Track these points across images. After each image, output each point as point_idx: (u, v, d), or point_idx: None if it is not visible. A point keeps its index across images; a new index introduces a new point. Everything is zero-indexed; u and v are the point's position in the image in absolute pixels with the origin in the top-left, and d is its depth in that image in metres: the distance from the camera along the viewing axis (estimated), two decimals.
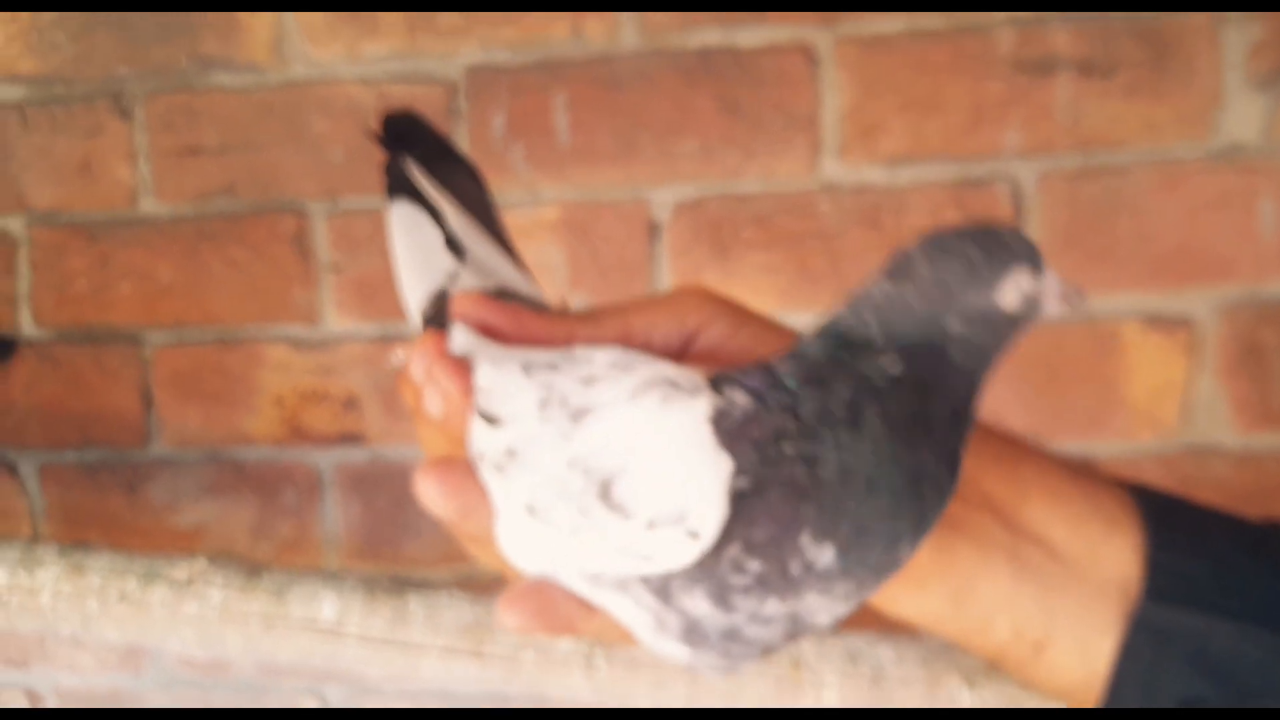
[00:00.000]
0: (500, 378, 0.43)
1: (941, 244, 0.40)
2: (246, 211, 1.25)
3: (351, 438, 1.26)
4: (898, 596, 0.48)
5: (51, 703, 1.38)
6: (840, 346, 0.40)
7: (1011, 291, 0.39)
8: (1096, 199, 1.08)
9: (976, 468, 0.48)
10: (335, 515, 1.28)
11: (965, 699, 0.99)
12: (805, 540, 0.37)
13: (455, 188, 0.56)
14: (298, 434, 1.27)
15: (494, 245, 0.55)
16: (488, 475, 0.42)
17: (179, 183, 1.27)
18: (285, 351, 1.26)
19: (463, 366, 0.44)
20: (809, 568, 0.37)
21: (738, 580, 0.38)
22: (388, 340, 1.24)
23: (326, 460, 1.28)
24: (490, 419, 0.42)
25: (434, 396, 0.44)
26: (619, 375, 0.40)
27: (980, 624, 0.47)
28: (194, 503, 1.31)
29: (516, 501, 0.41)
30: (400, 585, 1.10)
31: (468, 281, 0.50)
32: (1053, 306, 0.41)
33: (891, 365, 0.39)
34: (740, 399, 0.38)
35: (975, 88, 1.08)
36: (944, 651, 1.02)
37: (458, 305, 0.47)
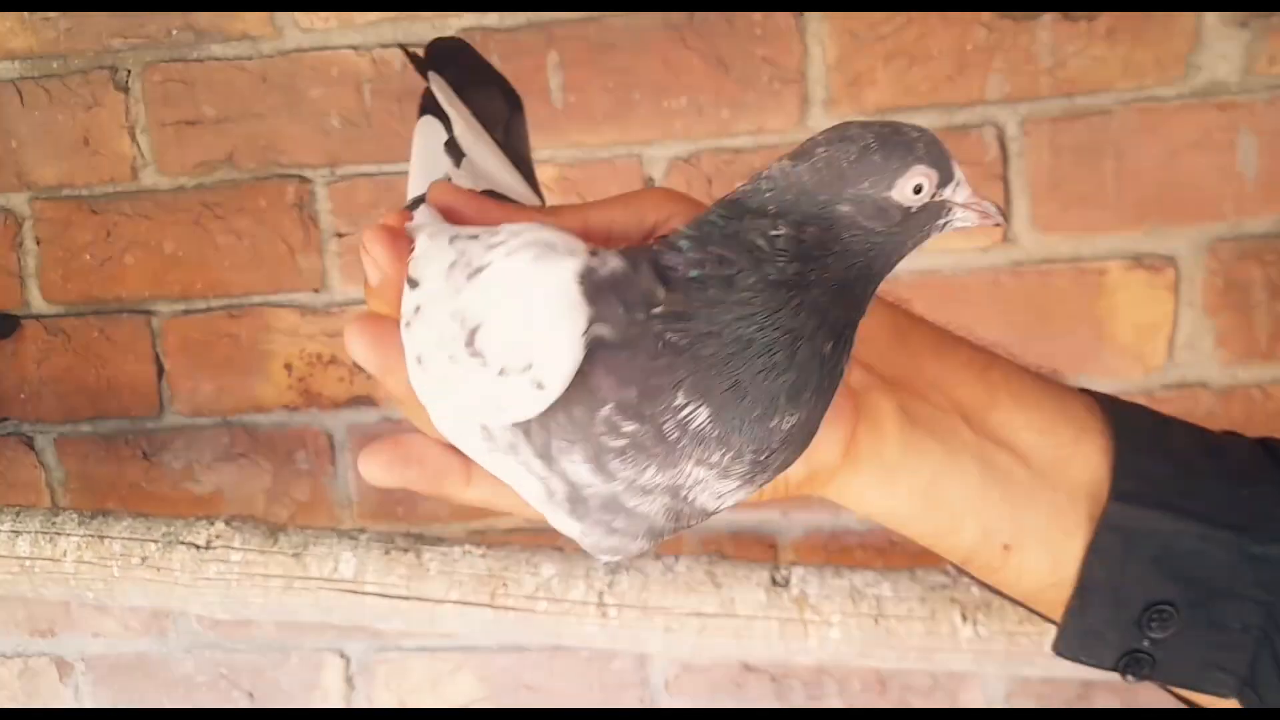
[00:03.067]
0: (430, 247, 0.45)
1: (844, 132, 0.41)
2: (248, 181, 1.27)
3: (361, 400, 1.29)
4: (868, 492, 0.49)
5: (79, 671, 1.42)
6: (734, 216, 0.41)
7: (908, 189, 0.40)
8: (1080, 142, 1.10)
9: (945, 372, 0.50)
10: (349, 477, 1.32)
11: (964, 633, 1.03)
12: (680, 398, 0.38)
13: (479, 104, 0.59)
14: (309, 398, 1.30)
15: (502, 158, 0.58)
16: (402, 333, 0.44)
17: (179, 154, 1.28)
18: (293, 318, 1.29)
19: (399, 239, 0.46)
20: (684, 427, 0.38)
21: (613, 442, 0.39)
22: None
23: (338, 423, 1.31)
24: (412, 282, 0.44)
25: (369, 264, 0.46)
26: (513, 238, 0.41)
27: (949, 525, 0.49)
28: (210, 469, 1.34)
29: (411, 353, 0.43)
30: (415, 541, 1.14)
31: (461, 181, 0.52)
32: (964, 218, 0.42)
33: (775, 231, 0.40)
34: (613, 261, 0.40)
35: (960, 35, 1.10)
36: (942, 588, 1.05)
37: (432, 191, 0.49)
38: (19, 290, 1.34)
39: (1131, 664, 0.49)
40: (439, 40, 0.64)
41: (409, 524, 1.31)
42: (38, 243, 1.33)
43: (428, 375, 0.42)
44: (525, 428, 0.40)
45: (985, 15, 1.09)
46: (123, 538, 1.16)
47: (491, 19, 1.18)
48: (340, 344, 1.27)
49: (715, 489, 0.40)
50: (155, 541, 1.16)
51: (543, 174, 1.18)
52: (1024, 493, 0.48)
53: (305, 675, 1.37)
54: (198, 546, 1.14)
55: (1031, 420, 0.50)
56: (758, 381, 0.38)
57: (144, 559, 1.15)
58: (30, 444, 1.38)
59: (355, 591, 1.12)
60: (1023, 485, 0.48)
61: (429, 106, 0.59)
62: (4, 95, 1.31)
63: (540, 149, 1.19)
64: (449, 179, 0.52)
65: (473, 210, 0.48)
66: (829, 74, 1.13)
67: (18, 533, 1.18)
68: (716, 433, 0.38)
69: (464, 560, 1.11)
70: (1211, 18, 1.06)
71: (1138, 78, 1.08)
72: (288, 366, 1.30)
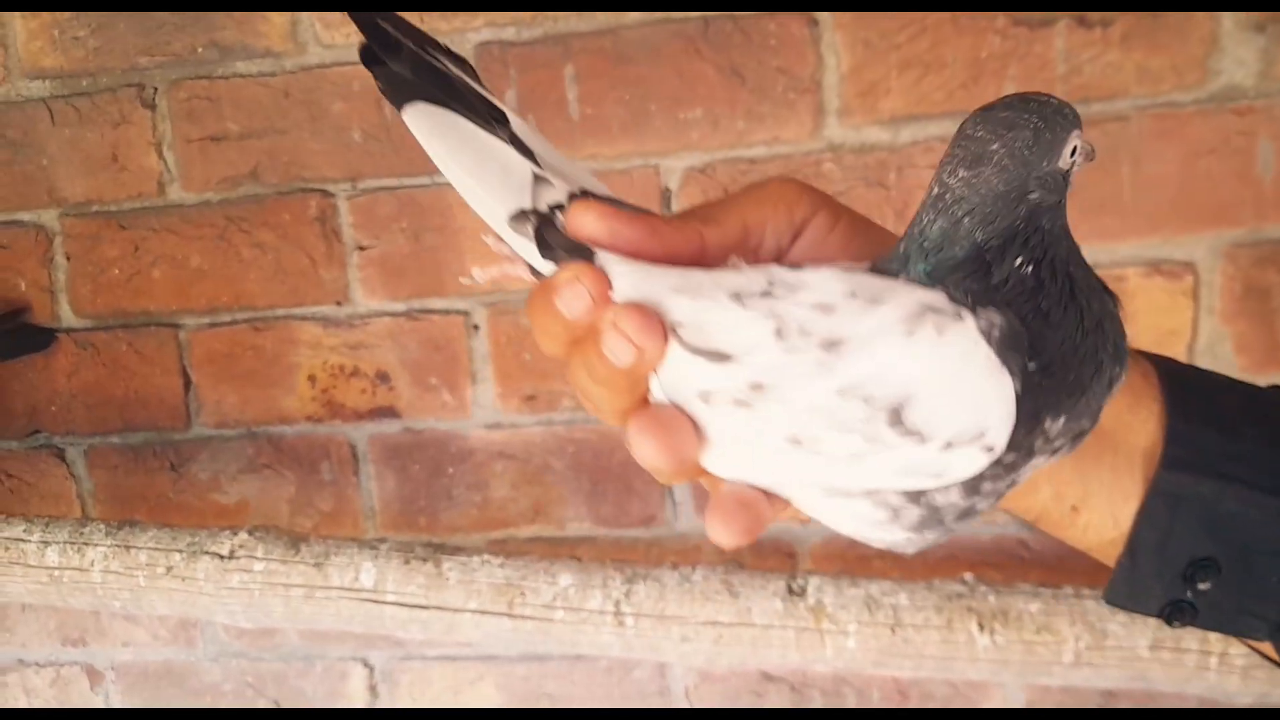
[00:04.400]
0: (708, 311, 0.42)
1: (1004, 120, 0.42)
2: (271, 195, 1.29)
3: (384, 411, 1.31)
4: None
5: (109, 679, 1.44)
6: (966, 257, 0.42)
7: (1068, 153, 0.42)
8: (1097, 148, 1.09)
9: None
10: (372, 487, 1.33)
11: (981, 643, 1.03)
12: (1048, 421, 0.41)
13: (467, 78, 0.50)
14: (332, 409, 1.32)
15: (537, 136, 0.50)
16: (722, 412, 0.42)
17: (205, 170, 1.31)
18: (316, 330, 1.30)
19: (651, 313, 0.42)
20: (1048, 439, 0.42)
21: (992, 470, 0.41)
22: (414, 316, 1.27)
23: (360, 433, 1.32)
24: (716, 355, 0.42)
25: (622, 347, 0.42)
26: (864, 306, 0.41)
27: (1027, 487, 0.51)
28: (235, 480, 1.36)
29: (776, 433, 0.41)
30: (434, 551, 1.15)
31: (559, 190, 0.47)
32: (1080, 162, 0.44)
33: (1005, 252, 0.42)
34: (994, 318, 0.41)
35: (974, 43, 1.10)
36: (959, 597, 1.05)
37: (581, 222, 0.44)
38: (50, 304, 1.37)
39: (1175, 612, 0.53)
40: (367, 17, 0.48)
41: (431, 534, 1.32)
42: (68, 258, 1.36)
43: (817, 455, 0.41)
44: None
45: (1000, 22, 1.09)
46: (148, 548, 1.18)
47: (509, 32, 1.19)
48: (363, 356, 1.29)
49: (1039, 465, 0.44)
50: (180, 551, 1.18)
51: None
52: (1091, 458, 0.50)
53: (330, 684, 1.38)
54: (221, 556, 1.16)
55: None
56: (1097, 375, 0.42)
57: (169, 569, 1.17)
58: (61, 456, 1.40)
59: (375, 601, 1.13)
60: (1090, 451, 0.50)
61: (415, 91, 0.48)
62: (35, 114, 1.33)
63: None
64: (541, 179, 0.47)
65: (644, 237, 0.44)
66: (843, 83, 1.13)
67: (47, 543, 1.20)
68: (1064, 429, 0.42)
69: (482, 570, 1.12)
70: (1228, 22, 1.05)
71: (1154, 84, 1.07)
72: (311, 378, 1.31)
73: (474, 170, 0.47)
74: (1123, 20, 1.07)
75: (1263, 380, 1.09)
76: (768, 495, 0.45)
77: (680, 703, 1.30)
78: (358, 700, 1.37)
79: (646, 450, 0.43)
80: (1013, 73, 1.10)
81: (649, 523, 1.26)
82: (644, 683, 1.30)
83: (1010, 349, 0.40)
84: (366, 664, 1.37)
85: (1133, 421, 0.51)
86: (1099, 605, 1.00)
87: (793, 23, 1.13)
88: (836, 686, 1.25)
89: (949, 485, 0.41)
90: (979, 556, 1.19)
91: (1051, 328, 0.41)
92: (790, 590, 1.06)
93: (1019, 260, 0.41)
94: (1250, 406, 0.54)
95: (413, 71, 0.48)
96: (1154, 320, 1.11)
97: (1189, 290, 1.10)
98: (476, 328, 1.26)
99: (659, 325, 0.42)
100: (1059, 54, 1.09)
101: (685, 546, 1.25)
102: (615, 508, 1.27)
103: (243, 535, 1.17)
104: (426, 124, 0.47)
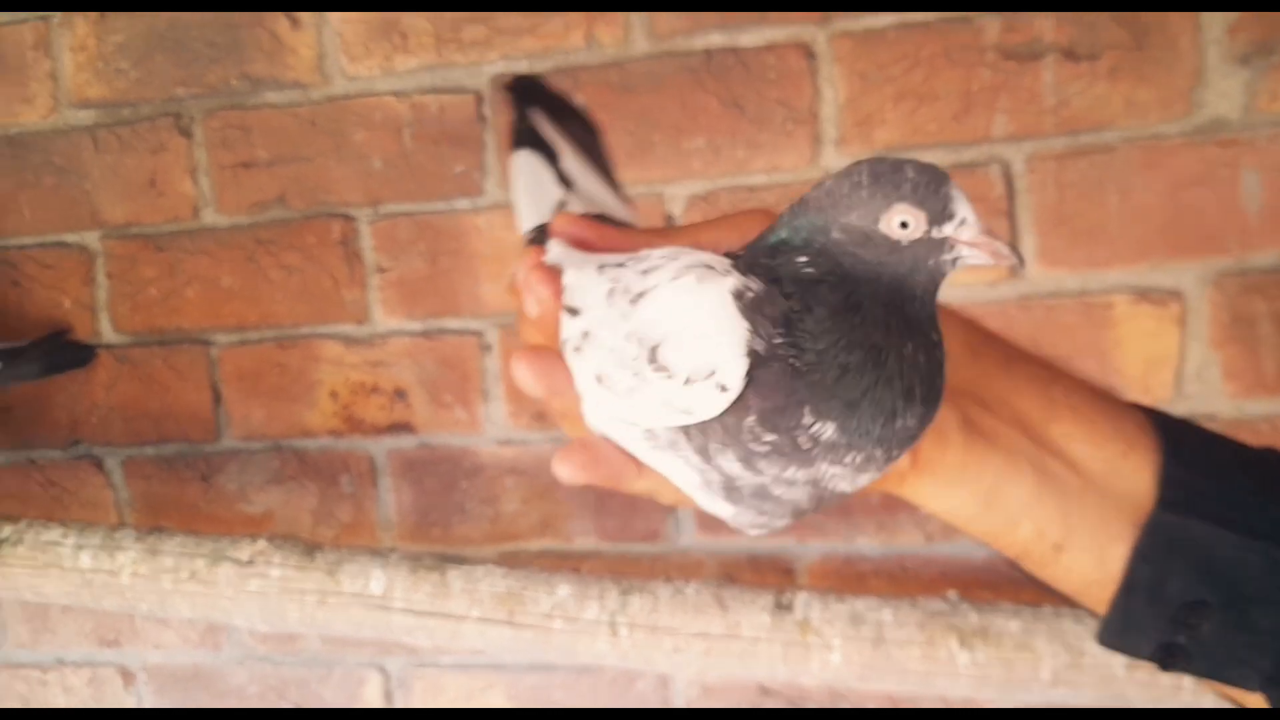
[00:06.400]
0: (581, 277, 0.51)
1: (853, 168, 0.46)
2: (298, 219, 1.35)
3: (402, 427, 1.36)
4: (934, 493, 0.54)
5: (141, 680, 1.50)
6: (782, 252, 0.47)
7: (894, 224, 0.45)
8: (1084, 178, 1.12)
9: (1010, 386, 0.55)
10: (389, 499, 1.38)
11: (962, 659, 1.05)
12: (807, 417, 0.43)
13: (571, 133, 0.68)
14: (352, 424, 1.37)
15: (602, 180, 0.67)
16: (570, 357, 0.50)
17: (236, 194, 1.37)
18: (338, 348, 1.36)
19: (553, 273, 0.52)
20: (815, 439, 0.43)
21: (758, 448, 0.44)
22: (430, 335, 1.33)
23: (379, 448, 1.37)
24: (572, 311, 0.50)
25: (530, 299, 0.52)
26: (667, 263, 0.47)
27: (1006, 525, 0.54)
28: (261, 490, 1.42)
29: (588, 373, 0.48)
30: (441, 561, 1.19)
31: (574, 207, 0.60)
32: (972, 255, 0.45)
33: (806, 267, 0.45)
34: (754, 283, 0.45)
35: (965, 76, 1.13)
36: (941, 614, 1.08)
37: (555, 223, 0.55)
38: (91, 321, 1.44)
39: (1166, 656, 0.53)
40: (521, 78, 0.71)
41: (445, 546, 1.37)
42: (108, 277, 1.43)
43: (610, 391, 0.47)
44: (685, 430, 0.46)
45: (990, 56, 1.12)
46: (174, 553, 1.24)
47: (521, 64, 1.25)
48: (382, 374, 1.34)
49: (850, 479, 0.46)
50: (203, 557, 1.23)
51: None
52: (1076, 499, 0.52)
53: (348, 689, 1.43)
54: (240, 562, 1.22)
55: (1087, 433, 0.54)
56: (870, 396, 0.43)
57: (193, 574, 1.23)
58: (100, 465, 1.47)
59: (384, 607, 1.18)
60: (1075, 492, 0.52)
61: (525, 139, 0.66)
62: (80, 141, 1.41)
63: None
64: (564, 205, 0.61)
65: (599, 239, 0.54)
66: (840, 114, 1.17)
67: (81, 547, 1.26)
68: (845, 441, 0.44)
69: (485, 579, 1.16)
70: (1213, 56, 1.08)
71: (1141, 116, 1.10)
72: (333, 394, 1.37)
73: (529, 198, 0.63)
74: (1110, 54, 1.10)
75: (1251, 407, 1.11)
76: (625, 453, 0.51)
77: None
78: (374, 705, 1.42)
79: (518, 372, 0.51)
80: (1003, 104, 1.13)
81: (652, 538, 1.30)
82: (646, 694, 1.34)
83: (758, 312, 0.44)
84: (383, 670, 1.42)
85: (1124, 467, 0.53)
86: (1077, 624, 1.02)
87: (791, 55, 1.17)
88: (832, 700, 1.28)
89: (706, 425, 0.45)
90: (971, 576, 1.21)
91: (816, 322, 0.44)
92: (778, 605, 1.09)
93: (803, 259, 0.46)
94: (1244, 458, 0.55)
95: (529, 123, 0.66)
96: (1142, 346, 1.13)
97: (1177, 317, 1.12)
98: (489, 347, 1.31)
99: (553, 286, 0.52)
100: (1048, 86, 1.12)
101: (687, 561, 1.29)
102: (620, 523, 1.31)
103: (261, 542, 1.22)
104: (523, 165, 0.65)
